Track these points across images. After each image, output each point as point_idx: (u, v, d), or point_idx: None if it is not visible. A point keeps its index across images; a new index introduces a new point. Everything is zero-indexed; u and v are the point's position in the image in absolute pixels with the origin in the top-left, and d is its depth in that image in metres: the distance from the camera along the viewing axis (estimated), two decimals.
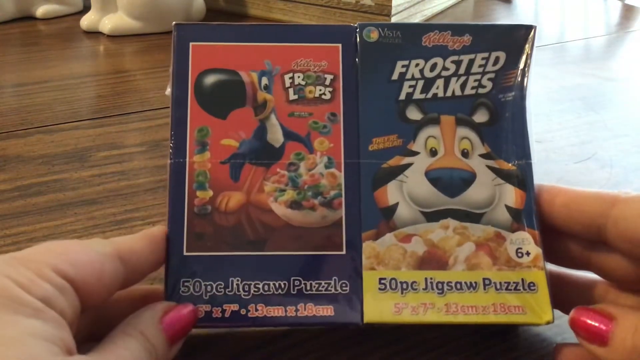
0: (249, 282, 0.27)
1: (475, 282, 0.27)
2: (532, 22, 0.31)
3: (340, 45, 0.30)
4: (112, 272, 0.24)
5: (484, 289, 0.27)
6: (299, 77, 0.30)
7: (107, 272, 0.24)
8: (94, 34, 0.72)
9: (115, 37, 0.70)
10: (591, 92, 0.59)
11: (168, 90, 0.30)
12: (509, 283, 0.27)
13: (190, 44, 0.30)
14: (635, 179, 0.44)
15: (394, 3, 0.68)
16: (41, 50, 0.67)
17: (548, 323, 0.27)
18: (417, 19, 0.75)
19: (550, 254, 0.29)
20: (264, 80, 0.29)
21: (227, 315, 0.27)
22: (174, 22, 0.30)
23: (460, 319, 0.27)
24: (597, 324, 0.24)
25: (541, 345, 0.29)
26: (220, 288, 0.27)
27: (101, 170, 0.43)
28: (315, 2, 0.73)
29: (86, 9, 0.76)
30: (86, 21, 0.72)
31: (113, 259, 0.24)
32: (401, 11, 0.71)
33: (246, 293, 0.27)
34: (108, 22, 0.70)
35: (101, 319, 0.26)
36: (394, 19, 0.69)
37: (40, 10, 0.76)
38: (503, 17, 0.84)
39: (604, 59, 0.72)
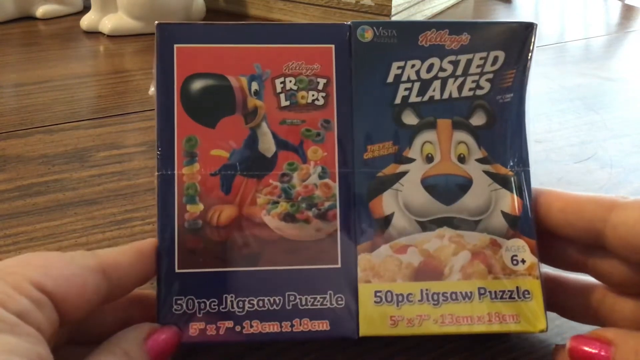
0: (243, 299, 0.26)
1: (471, 292, 0.27)
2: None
3: (333, 46, 0.28)
4: (94, 286, 0.23)
5: (479, 298, 0.27)
6: (290, 81, 0.28)
7: (89, 286, 0.23)
8: (94, 34, 0.70)
9: (115, 37, 0.69)
10: (591, 92, 0.58)
11: (151, 90, 0.28)
12: (504, 292, 0.27)
13: (175, 46, 0.28)
14: (635, 179, 0.43)
15: (393, 3, 0.68)
16: (41, 50, 0.66)
17: (542, 332, 0.26)
18: (416, 19, 0.75)
19: (548, 258, 0.28)
20: (254, 86, 0.28)
21: (221, 332, 0.26)
22: (156, 22, 0.28)
23: (455, 329, 0.26)
24: (596, 351, 0.24)
25: (541, 345, 0.28)
26: (214, 305, 0.26)
27: (101, 170, 0.43)
28: (315, 2, 0.73)
29: (86, 9, 0.75)
30: (86, 21, 0.71)
31: (96, 272, 0.23)
32: (401, 11, 0.71)
33: (240, 309, 0.26)
34: (108, 22, 0.69)
35: (81, 324, 0.25)
36: (393, 19, 0.69)
37: (40, 10, 0.75)
38: (503, 18, 0.84)
39: (604, 59, 0.71)
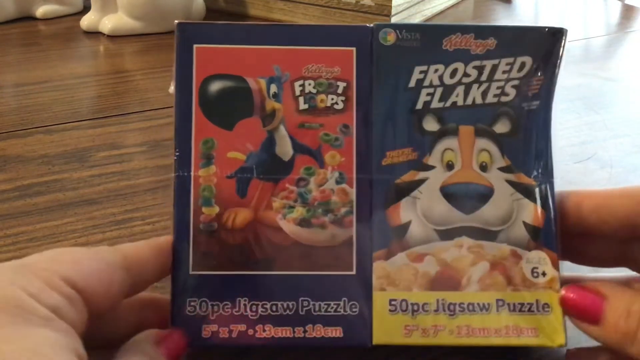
0: (256, 302, 0.26)
1: (488, 304, 0.26)
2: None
3: (354, 49, 0.28)
4: (120, 282, 0.23)
5: (497, 310, 0.26)
6: (309, 84, 0.27)
7: (115, 282, 0.23)
8: (94, 34, 0.70)
9: (115, 37, 0.69)
10: (591, 92, 0.58)
11: (171, 89, 0.28)
12: (522, 304, 0.26)
13: (195, 46, 0.27)
14: (635, 179, 0.43)
15: (393, 3, 0.67)
16: (41, 50, 0.65)
17: (560, 346, 0.26)
18: (417, 19, 0.75)
19: (584, 257, 0.28)
20: (273, 88, 0.27)
21: (234, 335, 0.26)
22: (176, 21, 0.28)
23: (471, 341, 0.26)
24: (588, 302, 0.24)
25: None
26: (227, 308, 0.26)
27: (101, 170, 0.43)
28: (315, 2, 0.72)
29: (86, 9, 0.74)
30: (86, 21, 0.70)
31: (121, 268, 0.23)
32: (401, 11, 0.70)
33: (253, 313, 0.26)
34: (108, 22, 0.69)
35: (94, 327, 0.24)
36: (393, 19, 0.68)
37: (40, 10, 0.74)
38: (503, 17, 0.84)
39: (604, 59, 0.70)
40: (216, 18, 0.76)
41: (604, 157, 0.46)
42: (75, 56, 0.66)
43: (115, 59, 0.65)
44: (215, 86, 0.27)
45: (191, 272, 0.26)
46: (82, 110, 0.52)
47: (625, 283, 0.27)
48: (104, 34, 0.70)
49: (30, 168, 0.43)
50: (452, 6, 0.85)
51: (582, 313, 0.24)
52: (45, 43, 0.68)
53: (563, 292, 0.25)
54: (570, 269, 0.29)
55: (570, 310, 0.25)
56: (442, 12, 0.82)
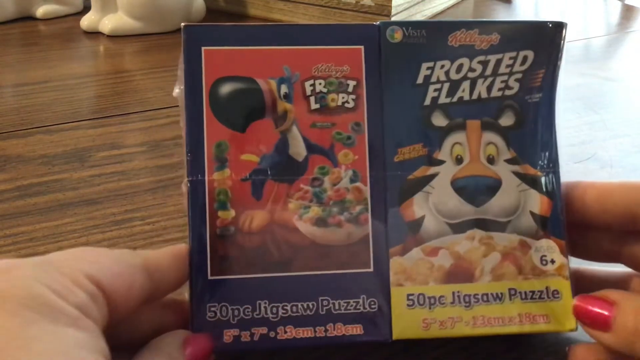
0: (276, 304, 0.26)
1: (501, 293, 0.27)
2: None
3: (362, 47, 0.28)
4: (141, 284, 0.23)
5: (510, 299, 0.27)
6: (320, 84, 0.27)
7: (136, 284, 0.22)
8: (94, 34, 0.70)
9: (116, 37, 0.69)
10: (591, 92, 0.58)
11: (176, 91, 0.27)
12: (533, 292, 0.27)
13: (203, 48, 0.27)
14: (635, 179, 0.44)
15: (393, 3, 0.67)
16: (41, 50, 0.65)
17: (571, 330, 0.26)
18: (417, 19, 0.75)
19: (581, 251, 0.29)
20: (284, 89, 0.27)
21: (256, 338, 0.25)
22: (182, 24, 0.27)
23: (487, 330, 0.26)
24: (599, 310, 0.24)
25: (542, 345, 0.28)
26: (247, 311, 0.26)
27: (101, 170, 0.43)
28: (315, 2, 0.72)
29: (86, 9, 0.74)
30: (86, 21, 0.70)
31: (142, 271, 0.23)
32: (401, 11, 0.70)
33: (274, 315, 0.26)
34: (108, 22, 0.69)
35: (118, 327, 0.24)
36: (393, 19, 0.69)
37: (40, 11, 0.74)
38: (503, 18, 0.84)
39: (604, 59, 0.70)
40: (216, 18, 0.76)
41: (604, 157, 0.46)
42: (75, 56, 0.66)
43: (115, 59, 0.65)
44: (225, 88, 0.27)
45: (210, 277, 0.26)
46: (82, 110, 0.52)
47: (626, 279, 0.28)
48: (104, 34, 0.70)
49: (30, 168, 0.43)
50: (452, 6, 0.85)
51: (594, 320, 0.24)
52: (45, 43, 0.68)
53: (575, 302, 0.26)
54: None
55: (583, 318, 0.25)
56: (442, 12, 0.82)
